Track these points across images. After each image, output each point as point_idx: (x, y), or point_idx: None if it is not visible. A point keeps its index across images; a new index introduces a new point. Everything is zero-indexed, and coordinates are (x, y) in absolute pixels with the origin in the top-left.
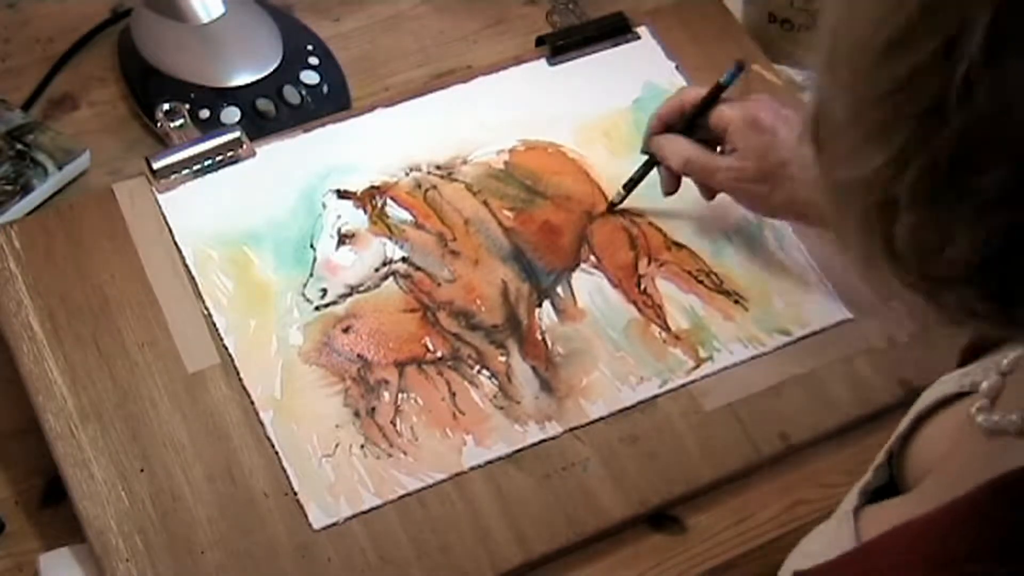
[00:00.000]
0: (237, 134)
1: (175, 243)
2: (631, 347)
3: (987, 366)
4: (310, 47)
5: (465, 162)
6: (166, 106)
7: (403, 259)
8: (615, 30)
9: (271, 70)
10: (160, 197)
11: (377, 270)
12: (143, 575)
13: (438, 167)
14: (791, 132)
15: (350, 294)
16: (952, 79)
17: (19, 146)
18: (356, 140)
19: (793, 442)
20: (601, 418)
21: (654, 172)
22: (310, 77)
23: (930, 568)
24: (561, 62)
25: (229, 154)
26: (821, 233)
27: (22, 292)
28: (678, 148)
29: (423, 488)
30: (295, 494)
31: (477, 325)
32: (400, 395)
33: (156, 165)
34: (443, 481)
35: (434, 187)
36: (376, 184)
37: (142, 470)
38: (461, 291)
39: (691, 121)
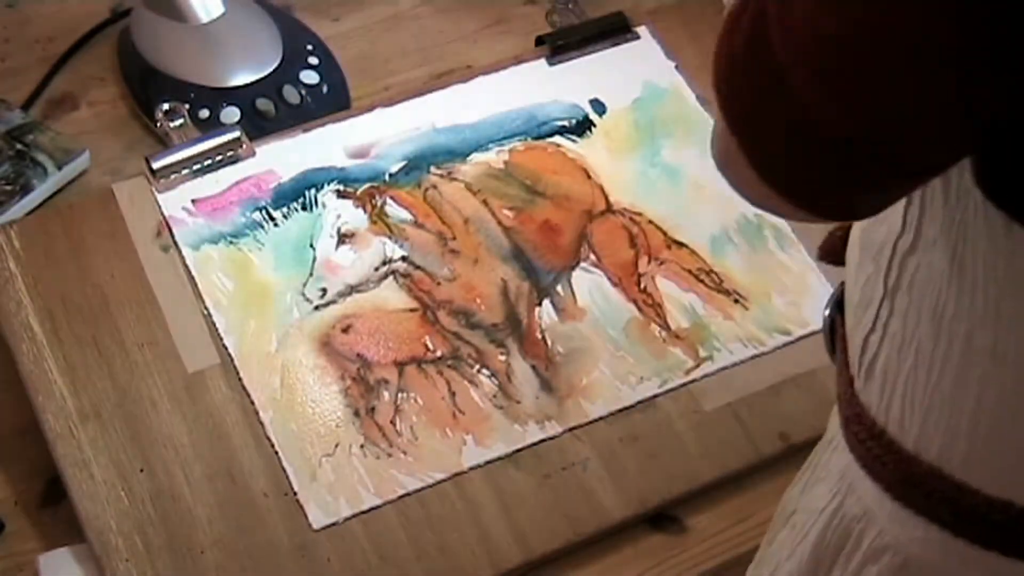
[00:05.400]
0: (237, 134)
1: (175, 243)
2: (631, 346)
3: None
4: (310, 47)
5: (465, 161)
6: (166, 106)
7: (403, 258)
8: (615, 30)
9: (271, 70)
10: (160, 197)
11: (377, 269)
12: (143, 575)
13: (438, 166)
14: None
15: (350, 293)
16: None
17: (19, 146)
18: (356, 140)
19: (793, 442)
20: (601, 418)
21: (651, 176)
22: (310, 77)
23: None
24: (561, 62)
25: (229, 154)
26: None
27: (22, 292)
28: None
29: (423, 488)
30: (295, 494)
31: (477, 324)
32: (400, 395)
33: (156, 165)
34: (443, 481)
35: (434, 186)
36: (376, 183)
37: (142, 470)
38: (461, 290)
39: None
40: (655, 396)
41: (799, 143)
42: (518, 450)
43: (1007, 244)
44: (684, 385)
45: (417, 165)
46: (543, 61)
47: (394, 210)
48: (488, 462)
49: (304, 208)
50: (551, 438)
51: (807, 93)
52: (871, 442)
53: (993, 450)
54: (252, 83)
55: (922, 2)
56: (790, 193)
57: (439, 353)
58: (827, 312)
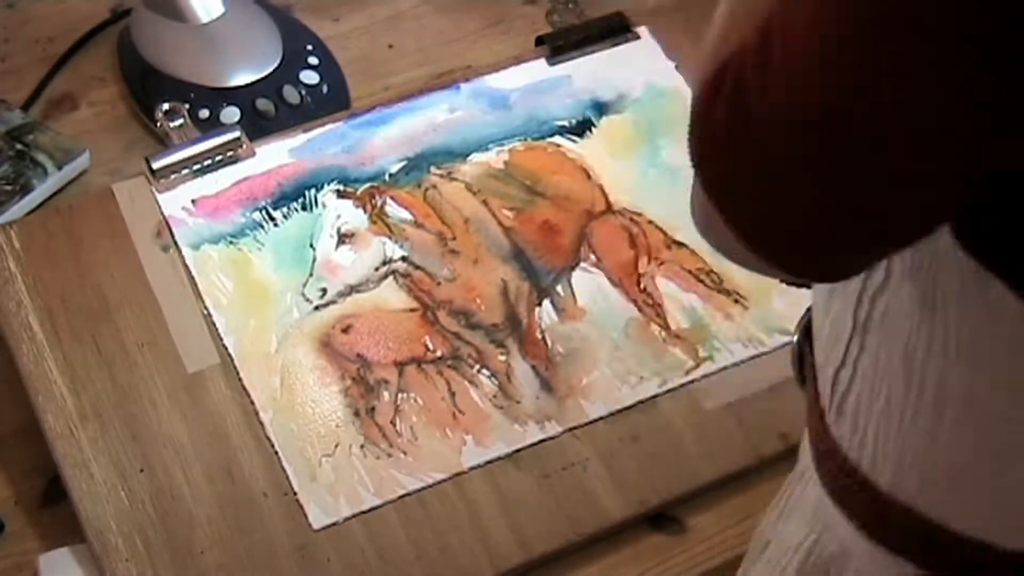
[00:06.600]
0: (237, 134)
1: (175, 243)
2: (631, 346)
3: None
4: (310, 47)
5: (465, 161)
6: (166, 106)
7: (403, 258)
8: (615, 30)
9: (271, 70)
10: (160, 197)
11: (377, 269)
12: (143, 575)
13: (438, 166)
14: None
15: (350, 293)
16: None
17: (19, 146)
18: (356, 140)
19: (793, 442)
20: (601, 418)
21: (651, 176)
22: (310, 77)
23: None
24: (561, 62)
25: (229, 154)
26: None
27: (22, 292)
28: None
29: (423, 488)
30: (295, 494)
31: (477, 324)
32: (400, 395)
33: (156, 165)
34: (443, 481)
35: (434, 186)
36: (376, 183)
37: (142, 470)
38: (461, 290)
39: None
40: (655, 396)
41: (784, 219)
42: (518, 450)
43: (978, 285)
44: (684, 385)
45: (417, 165)
46: (543, 61)
47: (394, 210)
48: (488, 462)
49: (304, 208)
50: (551, 438)
51: (792, 171)
52: (845, 479)
53: (969, 493)
54: (252, 83)
55: (918, 79)
56: (778, 263)
57: (439, 353)
58: (795, 340)
